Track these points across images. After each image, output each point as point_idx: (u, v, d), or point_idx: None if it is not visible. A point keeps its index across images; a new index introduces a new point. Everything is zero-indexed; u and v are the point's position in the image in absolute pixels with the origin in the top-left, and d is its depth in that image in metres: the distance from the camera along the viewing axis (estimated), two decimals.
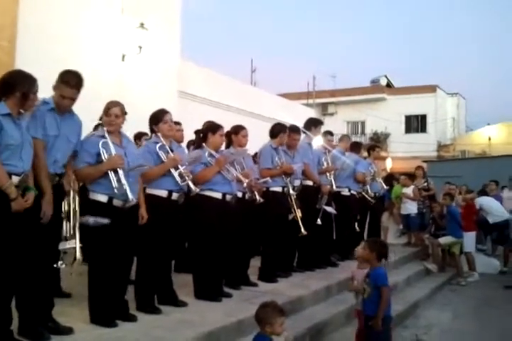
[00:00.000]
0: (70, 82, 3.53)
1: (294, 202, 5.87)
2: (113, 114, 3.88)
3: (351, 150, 7.82)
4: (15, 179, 3.15)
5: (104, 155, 3.76)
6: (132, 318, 3.87)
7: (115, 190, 3.72)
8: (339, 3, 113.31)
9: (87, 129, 4.18)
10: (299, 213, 5.87)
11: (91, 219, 3.57)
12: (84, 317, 3.72)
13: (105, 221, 3.60)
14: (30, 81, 3.27)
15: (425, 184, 9.98)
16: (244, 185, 5.05)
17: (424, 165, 15.24)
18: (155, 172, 4.26)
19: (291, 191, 5.83)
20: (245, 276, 5.38)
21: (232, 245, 4.93)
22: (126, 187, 3.73)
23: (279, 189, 5.78)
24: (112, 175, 3.74)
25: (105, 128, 3.85)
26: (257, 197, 5.25)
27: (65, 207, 3.56)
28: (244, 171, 5.14)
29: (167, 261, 4.49)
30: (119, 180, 3.74)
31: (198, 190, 4.45)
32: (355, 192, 7.54)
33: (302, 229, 5.83)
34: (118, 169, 3.76)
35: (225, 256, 4.85)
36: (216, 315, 4.16)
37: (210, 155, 4.85)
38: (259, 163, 5.92)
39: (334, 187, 6.77)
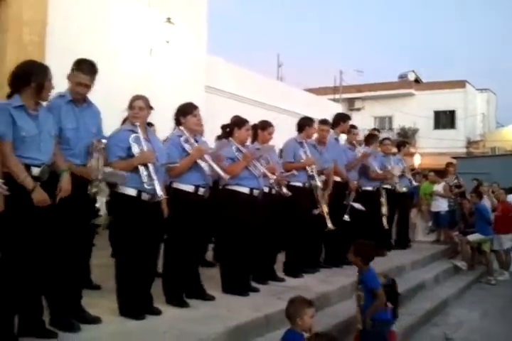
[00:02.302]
0: (85, 68, 3.55)
1: (319, 197, 5.81)
2: (136, 106, 3.90)
3: (365, 143, 7.59)
4: (35, 170, 3.12)
5: (135, 150, 3.77)
6: (156, 312, 3.87)
7: (145, 185, 3.73)
8: None
9: (113, 122, 4.20)
10: (325, 208, 5.81)
11: (108, 170, 3.60)
12: (114, 310, 3.75)
13: (122, 173, 3.64)
14: (43, 70, 3.26)
15: (456, 181, 9.82)
16: (271, 181, 5.00)
17: (453, 161, 14.99)
18: (183, 165, 4.22)
19: (318, 183, 5.75)
20: (272, 271, 5.36)
21: (259, 240, 4.92)
22: (156, 182, 3.74)
23: (299, 184, 5.68)
24: (142, 169, 3.75)
25: (137, 123, 3.85)
26: (284, 190, 5.22)
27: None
28: (269, 165, 5.09)
29: (194, 255, 4.48)
30: (148, 175, 3.75)
31: (228, 176, 4.42)
32: (370, 188, 7.28)
33: (329, 224, 5.77)
34: (149, 164, 3.77)
35: (252, 251, 4.83)
36: (244, 310, 4.15)
37: (238, 149, 4.83)
38: (283, 157, 5.87)
39: None
